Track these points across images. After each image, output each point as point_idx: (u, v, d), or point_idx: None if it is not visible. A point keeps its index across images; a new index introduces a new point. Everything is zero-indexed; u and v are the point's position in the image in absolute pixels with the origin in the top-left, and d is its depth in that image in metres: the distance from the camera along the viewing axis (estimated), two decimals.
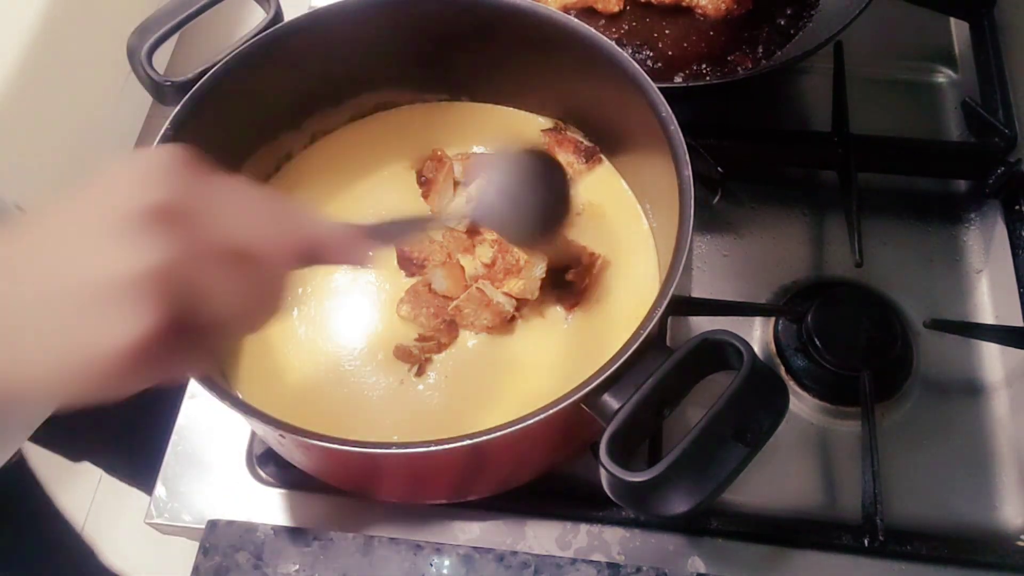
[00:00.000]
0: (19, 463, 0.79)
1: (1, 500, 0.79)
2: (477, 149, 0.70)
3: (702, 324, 0.68)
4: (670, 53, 0.80)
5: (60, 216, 0.34)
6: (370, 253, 0.44)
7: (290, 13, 0.62)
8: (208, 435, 0.65)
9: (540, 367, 0.61)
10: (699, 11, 0.81)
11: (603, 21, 0.82)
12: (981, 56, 0.81)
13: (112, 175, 0.35)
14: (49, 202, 0.35)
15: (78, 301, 0.32)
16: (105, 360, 0.32)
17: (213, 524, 0.60)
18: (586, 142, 0.68)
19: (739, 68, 0.78)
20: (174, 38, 0.59)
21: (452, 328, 0.61)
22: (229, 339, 0.37)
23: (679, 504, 0.45)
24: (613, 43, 0.59)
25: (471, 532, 0.61)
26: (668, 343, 0.66)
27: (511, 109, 0.71)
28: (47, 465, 0.91)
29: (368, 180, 0.68)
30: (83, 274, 0.32)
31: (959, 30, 0.86)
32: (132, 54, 0.59)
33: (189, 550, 0.60)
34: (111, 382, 0.33)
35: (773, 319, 0.69)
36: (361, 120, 0.71)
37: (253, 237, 0.37)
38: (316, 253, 0.41)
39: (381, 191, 0.68)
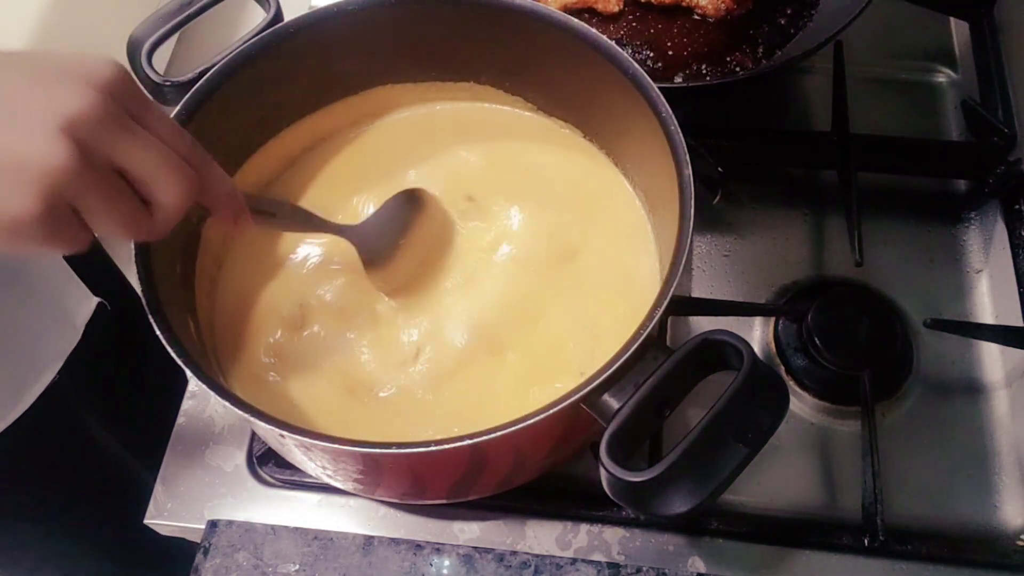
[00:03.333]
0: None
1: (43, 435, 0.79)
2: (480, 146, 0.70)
3: (702, 324, 0.68)
4: (670, 53, 0.80)
5: (10, 82, 0.40)
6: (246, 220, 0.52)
7: (290, 13, 0.62)
8: (208, 435, 0.65)
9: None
10: (699, 11, 0.81)
11: (603, 21, 0.82)
12: (981, 56, 0.81)
13: (68, 70, 0.40)
14: (18, 59, 0.41)
15: None
16: None
17: (213, 524, 0.60)
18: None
19: (739, 68, 0.78)
20: (174, 38, 0.59)
21: None
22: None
23: (679, 504, 0.45)
24: (613, 43, 0.59)
25: (471, 532, 0.61)
26: (668, 343, 0.66)
27: (513, 110, 0.71)
28: None
29: (371, 181, 0.68)
30: None
31: (959, 30, 0.86)
32: (132, 54, 0.58)
33: None
34: None
35: (773, 319, 0.69)
36: (362, 119, 0.71)
37: (149, 169, 0.42)
38: (202, 199, 0.47)
39: (385, 191, 0.68)
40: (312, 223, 0.61)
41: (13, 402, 0.73)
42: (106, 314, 0.81)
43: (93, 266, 0.84)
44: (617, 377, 0.47)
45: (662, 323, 0.53)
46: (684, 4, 0.81)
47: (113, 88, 0.41)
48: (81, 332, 0.78)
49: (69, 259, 0.77)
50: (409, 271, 0.63)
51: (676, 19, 0.82)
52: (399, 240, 0.63)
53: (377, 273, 0.62)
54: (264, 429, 0.49)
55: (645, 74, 0.57)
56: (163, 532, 0.64)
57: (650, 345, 0.48)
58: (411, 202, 0.64)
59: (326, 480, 0.59)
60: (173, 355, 0.49)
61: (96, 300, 0.80)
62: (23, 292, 0.71)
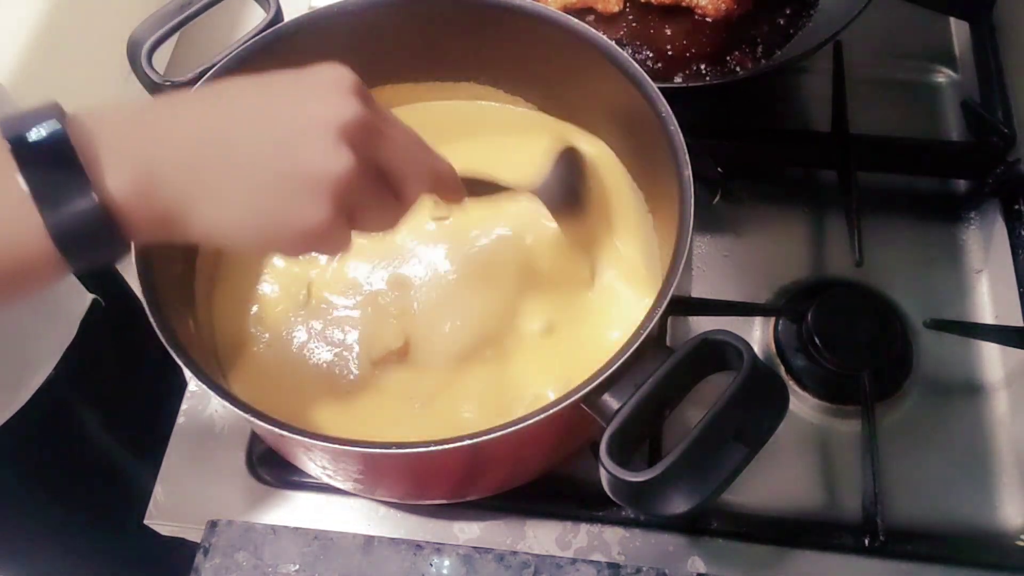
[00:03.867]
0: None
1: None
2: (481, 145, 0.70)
3: (702, 324, 0.68)
4: (670, 53, 0.80)
5: (275, 102, 0.42)
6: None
7: (290, 13, 0.62)
8: (208, 435, 0.65)
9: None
10: (699, 11, 0.81)
11: (602, 21, 0.82)
12: (981, 56, 0.81)
13: (322, 82, 0.43)
14: (267, 80, 0.43)
15: (281, 189, 0.41)
16: (285, 234, 0.42)
17: (213, 524, 0.60)
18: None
19: (739, 68, 0.78)
20: (174, 38, 0.59)
21: None
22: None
23: (679, 504, 0.45)
24: (613, 43, 0.59)
25: (471, 532, 0.61)
26: (668, 343, 0.66)
27: (513, 108, 0.71)
28: None
29: None
30: (287, 167, 0.41)
31: (959, 30, 0.86)
32: (132, 54, 0.59)
33: None
34: (282, 250, 0.47)
35: (773, 319, 0.69)
36: None
37: (403, 165, 0.45)
38: (434, 187, 0.49)
39: None
40: (497, 185, 0.58)
41: (9, 398, 0.73)
42: (102, 312, 0.81)
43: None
44: (617, 377, 0.47)
45: (662, 323, 0.53)
46: (684, 4, 0.81)
47: (362, 92, 0.43)
48: (76, 328, 0.77)
49: None
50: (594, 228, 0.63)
51: (676, 19, 0.82)
52: (582, 194, 0.62)
53: (569, 227, 0.62)
54: (264, 429, 0.49)
55: (645, 74, 0.57)
56: (163, 532, 0.64)
57: (650, 345, 0.48)
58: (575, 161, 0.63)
59: (326, 480, 0.59)
60: (173, 355, 0.49)
61: (90, 296, 0.80)
62: None
